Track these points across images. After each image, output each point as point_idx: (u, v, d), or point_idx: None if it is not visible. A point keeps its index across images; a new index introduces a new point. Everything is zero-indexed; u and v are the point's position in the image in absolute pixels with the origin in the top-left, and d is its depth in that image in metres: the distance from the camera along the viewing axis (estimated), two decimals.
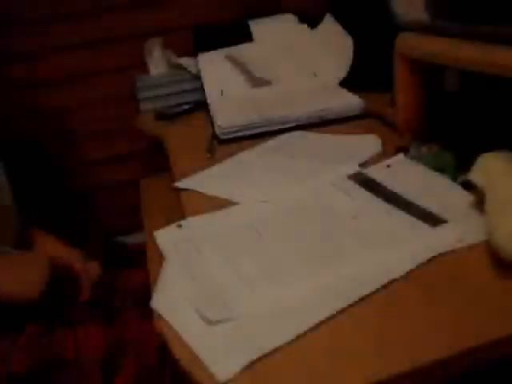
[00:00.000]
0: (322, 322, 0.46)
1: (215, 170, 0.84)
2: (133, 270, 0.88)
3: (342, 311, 0.47)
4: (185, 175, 0.83)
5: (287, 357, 0.44)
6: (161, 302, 0.53)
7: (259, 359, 0.43)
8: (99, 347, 0.71)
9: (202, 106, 1.19)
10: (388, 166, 0.73)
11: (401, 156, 0.75)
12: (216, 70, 1.17)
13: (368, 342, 0.44)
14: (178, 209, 0.75)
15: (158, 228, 0.66)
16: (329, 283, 0.51)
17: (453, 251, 0.54)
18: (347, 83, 1.10)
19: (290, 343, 0.45)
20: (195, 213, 0.69)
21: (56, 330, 0.73)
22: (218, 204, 0.71)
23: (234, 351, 0.44)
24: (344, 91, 1.05)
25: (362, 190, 0.68)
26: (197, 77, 1.21)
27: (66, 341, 0.71)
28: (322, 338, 0.45)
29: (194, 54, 1.24)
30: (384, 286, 0.50)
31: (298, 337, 0.45)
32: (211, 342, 0.46)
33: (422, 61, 0.72)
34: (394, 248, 0.55)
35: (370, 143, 0.83)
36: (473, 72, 0.65)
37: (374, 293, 0.49)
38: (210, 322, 0.48)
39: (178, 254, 0.59)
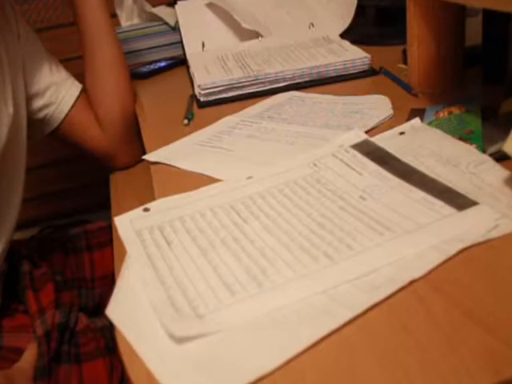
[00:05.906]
0: (321, 339, 0.38)
1: (193, 139, 0.76)
2: None
3: (348, 323, 0.39)
4: (157, 146, 0.76)
5: None
6: (118, 310, 0.45)
7: None
8: None
9: (180, 63, 1.13)
10: (401, 133, 0.66)
11: (416, 121, 0.68)
12: (197, 21, 1.10)
13: (381, 365, 0.36)
14: (152, 189, 0.68)
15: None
16: (331, 286, 0.43)
17: (485, 242, 0.45)
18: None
19: (281, 368, 0.37)
20: (167, 192, 0.61)
21: None
22: (195, 181, 0.63)
23: (209, 381, 0.36)
24: (347, 44, 0.99)
25: (370, 162, 0.60)
26: (175, 29, 1.16)
27: None
28: (321, 360, 0.37)
29: (171, 2, 1.17)
30: (400, 290, 0.42)
31: (292, 359, 0.37)
32: (178, 366, 0.38)
33: (441, 3, 0.64)
34: (412, 239, 0.47)
35: (378, 105, 0.76)
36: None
37: (387, 299, 0.41)
38: (177, 340, 0.40)
39: (143, 247, 0.51)
